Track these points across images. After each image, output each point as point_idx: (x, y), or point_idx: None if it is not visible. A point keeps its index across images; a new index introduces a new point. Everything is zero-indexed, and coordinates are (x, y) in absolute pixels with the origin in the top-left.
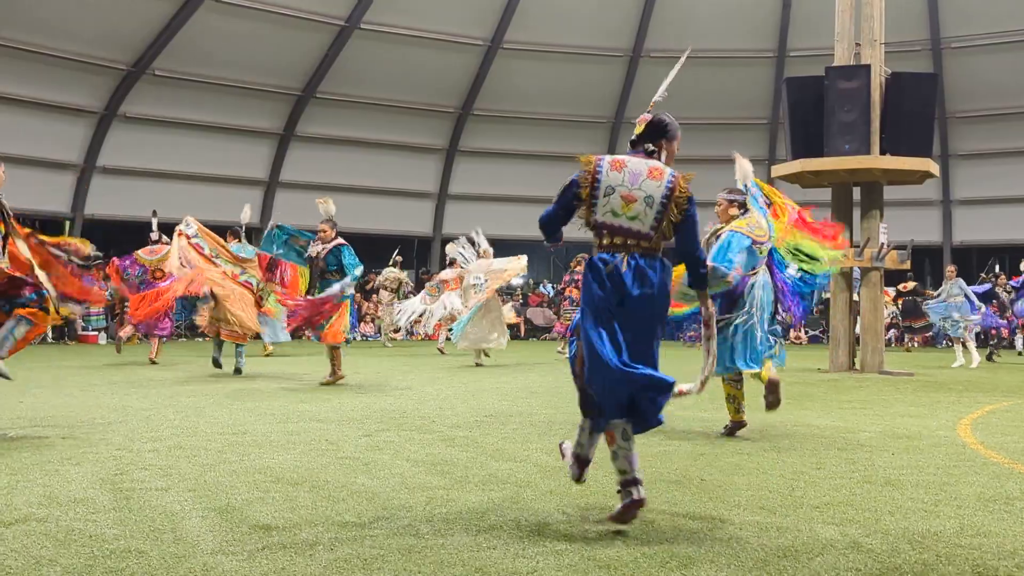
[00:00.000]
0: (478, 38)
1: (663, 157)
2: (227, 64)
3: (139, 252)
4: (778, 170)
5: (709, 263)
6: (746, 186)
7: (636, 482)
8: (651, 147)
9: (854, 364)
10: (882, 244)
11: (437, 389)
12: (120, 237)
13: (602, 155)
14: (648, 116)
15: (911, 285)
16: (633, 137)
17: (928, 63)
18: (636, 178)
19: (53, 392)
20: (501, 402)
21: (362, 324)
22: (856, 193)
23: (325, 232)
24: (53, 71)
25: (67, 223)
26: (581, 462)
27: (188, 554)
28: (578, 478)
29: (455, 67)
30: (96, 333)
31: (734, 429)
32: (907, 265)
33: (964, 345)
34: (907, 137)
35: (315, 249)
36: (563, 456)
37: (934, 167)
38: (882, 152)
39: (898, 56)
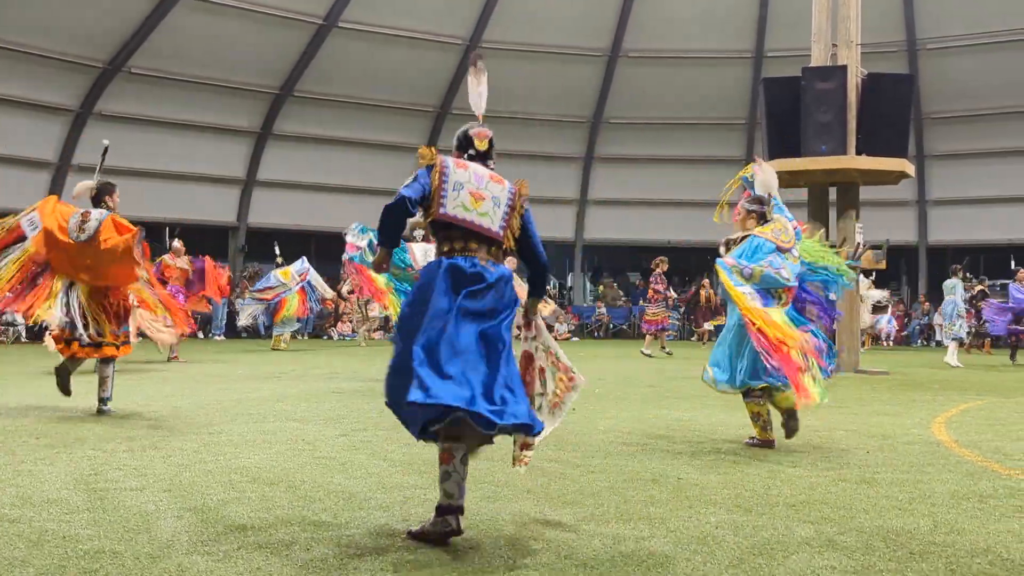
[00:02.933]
0: (457, 37)
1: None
2: (204, 62)
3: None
4: None
5: (727, 261)
6: (769, 195)
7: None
8: (491, 163)
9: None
10: (858, 244)
11: None
12: None
13: (442, 155)
14: (489, 132)
15: (978, 289)
16: (474, 151)
17: (904, 64)
18: (481, 180)
19: (26, 392)
20: None
21: (339, 324)
22: (832, 193)
23: None
24: (28, 68)
25: None
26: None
27: (163, 554)
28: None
29: (434, 66)
30: None
31: (763, 445)
32: (883, 265)
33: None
34: (883, 138)
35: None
36: None
37: (910, 167)
38: (858, 153)
39: (874, 57)
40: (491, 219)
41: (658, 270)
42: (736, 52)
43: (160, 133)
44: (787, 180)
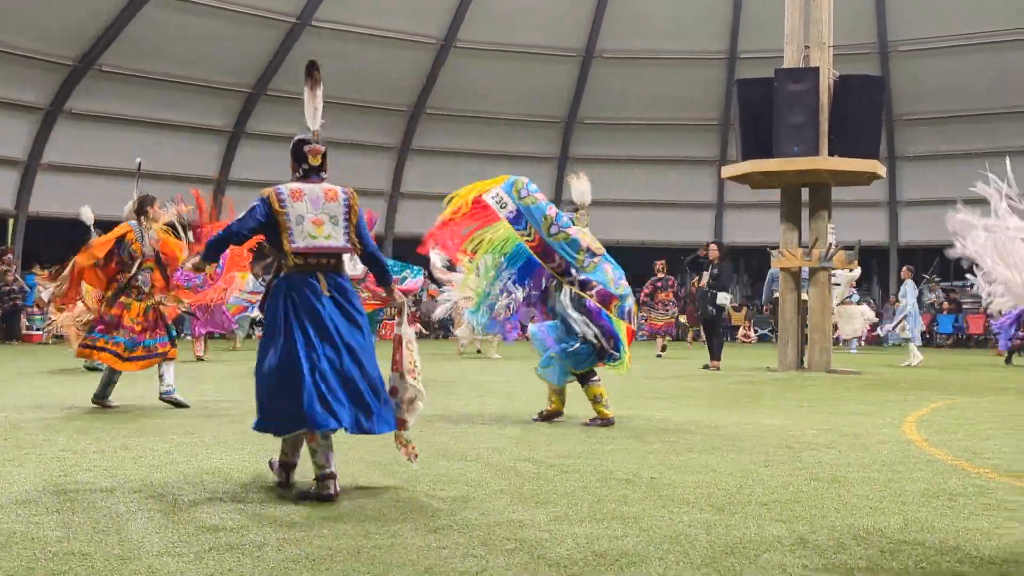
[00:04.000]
0: (431, 36)
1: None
2: (177, 60)
3: None
4: (728, 171)
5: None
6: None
7: (333, 476)
8: (325, 174)
9: (802, 363)
10: (830, 244)
11: None
12: (64, 235)
13: (278, 187)
14: (322, 148)
15: None
16: (307, 166)
17: (876, 66)
18: (317, 203)
19: None
20: (451, 401)
21: None
22: (805, 194)
23: None
24: None
25: (11, 221)
26: (288, 467)
27: (133, 556)
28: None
29: (407, 65)
30: (40, 332)
31: (605, 424)
32: (855, 265)
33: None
34: (855, 139)
35: None
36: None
37: (881, 169)
38: (830, 154)
39: (846, 59)
40: (335, 238)
41: (662, 273)
42: (710, 53)
43: (131, 132)
44: (760, 181)
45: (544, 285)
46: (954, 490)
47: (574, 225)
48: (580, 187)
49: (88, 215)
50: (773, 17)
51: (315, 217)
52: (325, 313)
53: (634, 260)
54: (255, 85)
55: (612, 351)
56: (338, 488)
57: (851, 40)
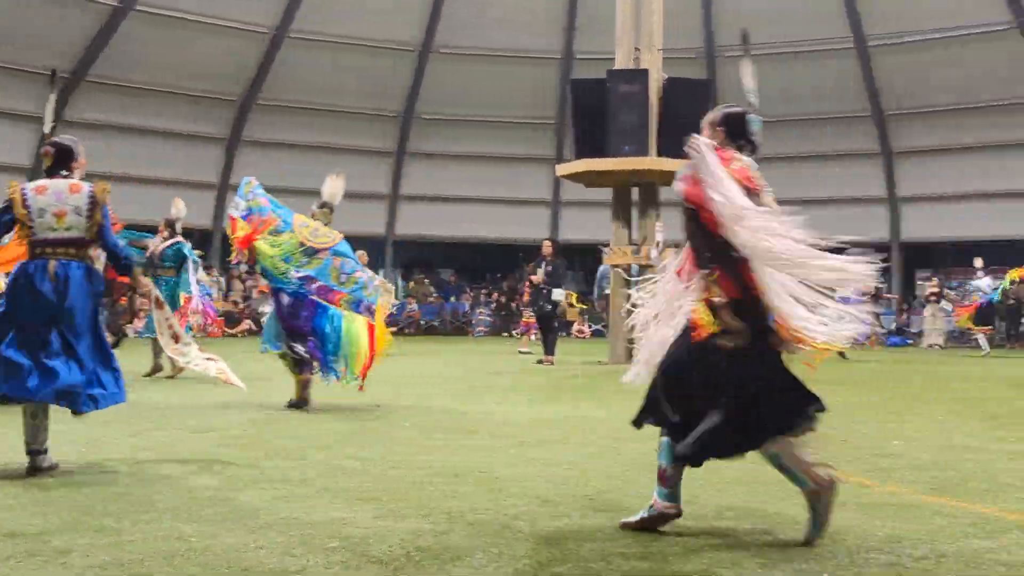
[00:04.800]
0: (263, 26)
1: (77, 175)
2: None
3: None
4: (563, 169)
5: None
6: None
7: (37, 453)
8: (65, 172)
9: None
10: (658, 242)
11: (214, 386)
12: None
13: (23, 184)
14: (52, 148)
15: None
16: (47, 168)
17: (703, 70)
18: (60, 196)
19: None
20: (281, 398)
21: (136, 320)
22: (636, 193)
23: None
24: None
25: None
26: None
27: None
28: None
29: (239, 55)
30: None
31: (298, 406)
32: None
33: None
34: (683, 140)
35: (153, 243)
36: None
37: None
38: (659, 154)
39: (676, 62)
40: (76, 228)
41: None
42: (546, 52)
43: None
44: (594, 180)
45: None
46: (769, 478)
47: (314, 221)
48: (335, 186)
49: None
50: (607, 19)
51: (58, 209)
52: (45, 298)
53: (471, 256)
54: (75, 70)
55: (309, 358)
56: (42, 463)
57: (680, 44)
